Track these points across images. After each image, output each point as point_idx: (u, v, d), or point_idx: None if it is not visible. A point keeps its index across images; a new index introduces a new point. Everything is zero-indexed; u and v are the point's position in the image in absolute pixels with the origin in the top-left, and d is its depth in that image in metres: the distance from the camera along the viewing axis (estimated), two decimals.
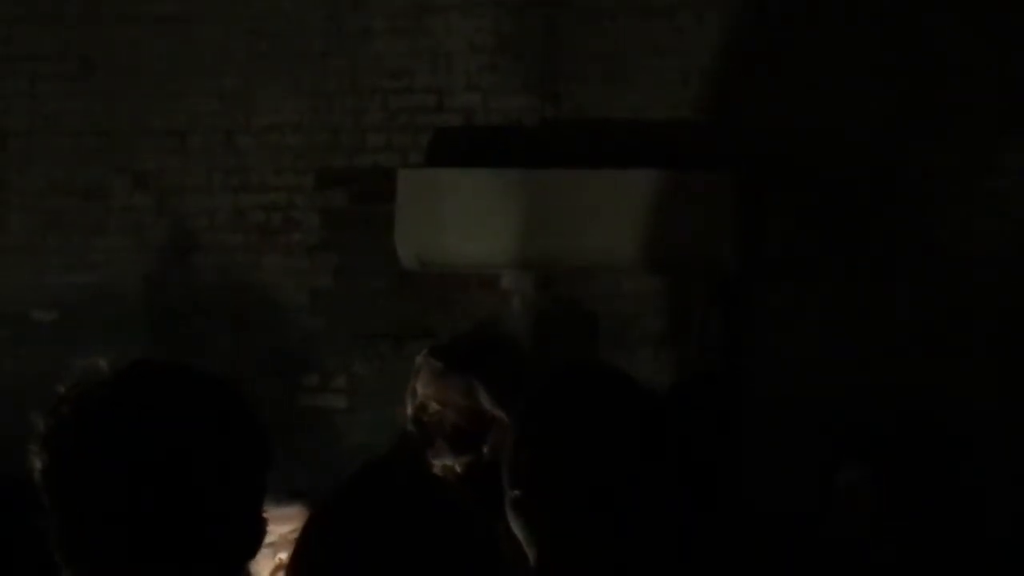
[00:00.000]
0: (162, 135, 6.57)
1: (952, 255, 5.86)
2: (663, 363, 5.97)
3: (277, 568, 3.22)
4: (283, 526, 3.08)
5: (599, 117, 6.22)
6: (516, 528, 2.19)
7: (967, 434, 5.57)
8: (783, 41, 6.05)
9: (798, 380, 5.83)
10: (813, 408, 5.70)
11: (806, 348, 5.91)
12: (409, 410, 3.45)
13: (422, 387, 3.45)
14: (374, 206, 6.34)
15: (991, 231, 5.86)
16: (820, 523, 4.25)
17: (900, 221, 5.93)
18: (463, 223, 6.03)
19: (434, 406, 3.42)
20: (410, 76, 6.41)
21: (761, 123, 6.03)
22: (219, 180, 6.56)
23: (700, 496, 3.57)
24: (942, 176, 5.91)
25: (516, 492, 2.16)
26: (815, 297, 5.96)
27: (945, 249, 5.88)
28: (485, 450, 3.38)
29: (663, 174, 5.92)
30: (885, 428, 5.30)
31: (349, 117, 6.44)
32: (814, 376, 5.83)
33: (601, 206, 5.92)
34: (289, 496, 3.74)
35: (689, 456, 3.41)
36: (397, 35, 6.41)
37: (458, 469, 3.38)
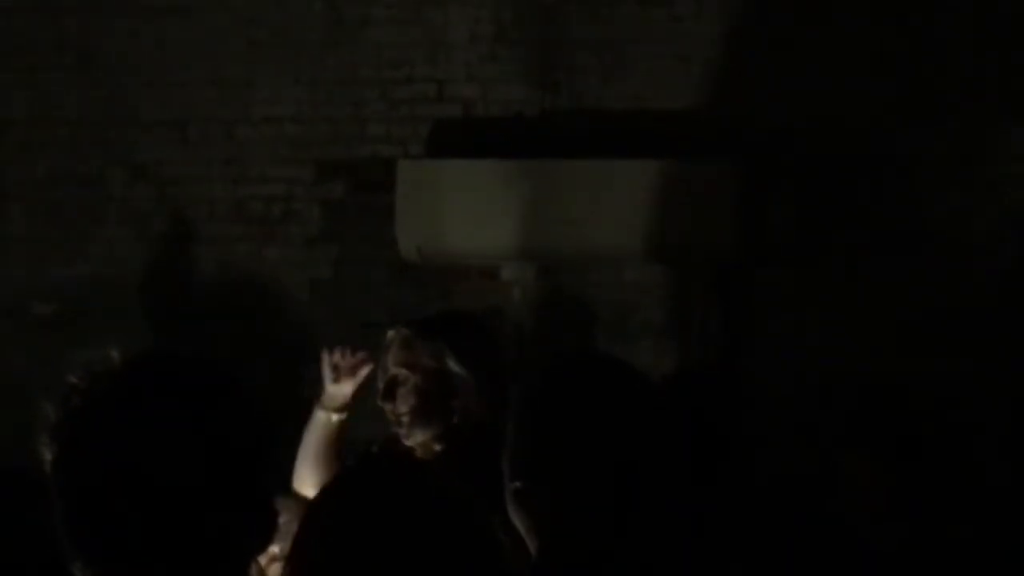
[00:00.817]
0: (161, 126, 6.57)
1: (953, 247, 5.86)
2: (664, 353, 5.97)
3: (272, 560, 3.22)
4: (280, 517, 3.07)
5: (599, 107, 6.21)
6: (516, 519, 2.18)
7: (968, 424, 5.58)
8: (783, 30, 6.04)
9: (799, 371, 5.83)
10: (815, 398, 5.69)
11: (807, 338, 5.91)
12: (380, 385, 3.48)
13: (392, 357, 3.48)
14: (374, 197, 6.33)
15: (992, 223, 5.85)
16: (823, 512, 4.25)
17: (900, 213, 5.92)
18: (463, 214, 6.03)
19: (403, 373, 3.44)
20: (410, 66, 6.40)
21: (761, 113, 6.02)
22: (218, 171, 6.55)
23: (702, 486, 3.57)
24: (943, 168, 5.91)
25: (517, 483, 2.15)
26: (816, 287, 5.95)
27: (946, 241, 5.87)
28: (455, 419, 3.39)
29: (663, 164, 5.91)
30: (887, 417, 5.30)
31: (349, 108, 6.44)
32: (815, 366, 5.82)
33: (601, 196, 5.91)
34: (287, 487, 3.74)
35: (690, 446, 3.41)
36: (397, 25, 6.40)
37: (436, 447, 3.38)
